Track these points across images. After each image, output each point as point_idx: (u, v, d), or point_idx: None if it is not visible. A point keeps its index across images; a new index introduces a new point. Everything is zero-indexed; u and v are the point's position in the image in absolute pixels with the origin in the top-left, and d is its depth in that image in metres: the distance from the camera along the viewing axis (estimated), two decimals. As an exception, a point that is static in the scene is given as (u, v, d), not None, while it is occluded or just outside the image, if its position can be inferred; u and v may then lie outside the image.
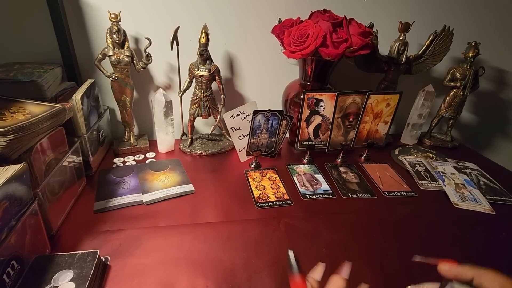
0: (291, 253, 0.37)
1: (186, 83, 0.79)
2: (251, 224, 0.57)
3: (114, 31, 0.69)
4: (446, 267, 0.33)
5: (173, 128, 0.80)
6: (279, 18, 0.79)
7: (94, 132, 0.71)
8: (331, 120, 0.75)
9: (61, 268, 0.41)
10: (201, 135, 0.89)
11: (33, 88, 0.57)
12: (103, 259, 0.46)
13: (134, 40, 0.79)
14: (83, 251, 0.44)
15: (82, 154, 0.64)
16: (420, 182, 0.74)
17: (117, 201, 0.61)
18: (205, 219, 0.58)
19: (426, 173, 0.77)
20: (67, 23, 0.71)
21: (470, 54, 0.85)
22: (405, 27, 0.80)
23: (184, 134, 0.88)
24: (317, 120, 0.76)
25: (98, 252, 0.44)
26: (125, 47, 0.72)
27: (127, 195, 0.63)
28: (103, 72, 0.72)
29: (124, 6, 0.72)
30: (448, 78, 0.90)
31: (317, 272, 0.36)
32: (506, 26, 0.95)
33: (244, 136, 0.76)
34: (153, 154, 0.81)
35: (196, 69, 0.75)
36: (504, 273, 0.30)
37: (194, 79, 0.78)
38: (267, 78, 0.91)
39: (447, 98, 0.92)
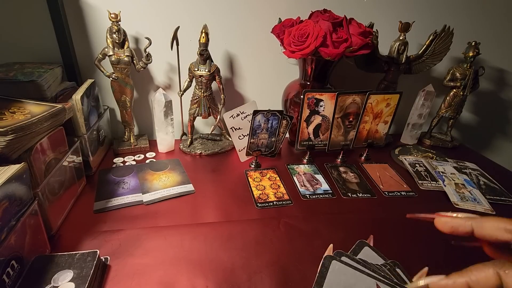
0: None
1: (186, 83, 0.79)
2: (251, 224, 0.57)
3: (114, 31, 0.69)
4: (442, 220, 0.31)
5: (173, 128, 0.80)
6: (279, 18, 0.79)
7: (94, 132, 0.71)
8: (331, 120, 0.75)
9: (61, 268, 0.41)
10: (201, 135, 0.89)
11: (33, 88, 0.57)
12: (103, 259, 0.46)
13: (134, 40, 0.79)
14: (83, 251, 0.44)
15: (82, 154, 0.64)
16: (420, 182, 0.74)
17: (117, 201, 0.61)
18: (205, 219, 0.58)
19: (426, 173, 0.77)
20: (67, 23, 0.71)
21: (470, 54, 0.85)
22: (405, 27, 0.80)
23: (184, 134, 0.88)
24: (317, 120, 0.76)
25: (98, 252, 0.44)
26: (125, 47, 0.72)
27: (127, 195, 0.63)
28: (103, 72, 0.72)
29: (124, 6, 0.72)
30: (448, 78, 0.90)
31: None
32: (506, 26, 0.95)
33: (244, 136, 0.76)
34: (153, 154, 0.81)
35: (196, 69, 0.75)
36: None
37: (194, 79, 0.78)
38: (267, 78, 0.91)
39: (447, 98, 0.92)
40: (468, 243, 0.31)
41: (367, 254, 0.37)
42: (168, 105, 0.76)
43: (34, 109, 0.49)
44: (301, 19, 0.73)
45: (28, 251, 0.42)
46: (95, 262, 0.42)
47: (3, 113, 0.46)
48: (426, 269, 0.38)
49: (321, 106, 0.74)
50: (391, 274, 0.37)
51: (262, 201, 0.63)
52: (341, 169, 0.78)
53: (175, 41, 0.72)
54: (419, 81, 0.95)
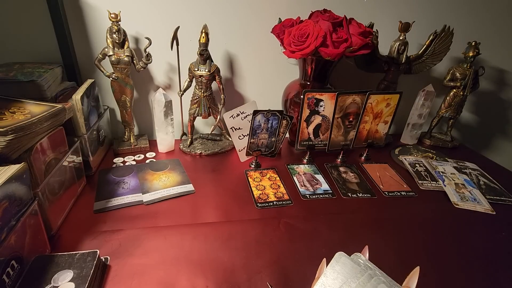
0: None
1: (186, 83, 0.79)
2: (251, 224, 0.57)
3: (114, 31, 0.69)
4: None
5: (173, 128, 0.80)
6: (279, 18, 0.79)
7: (94, 132, 0.71)
8: (331, 120, 0.75)
9: (61, 268, 0.41)
10: (201, 135, 0.89)
11: (33, 88, 0.57)
12: (103, 259, 0.46)
13: (134, 40, 0.79)
14: (83, 251, 0.44)
15: (82, 154, 0.64)
16: (420, 182, 0.74)
17: (117, 201, 0.61)
18: (205, 219, 0.58)
19: (426, 173, 0.77)
20: (67, 23, 0.71)
21: (470, 54, 0.85)
22: (405, 27, 0.80)
23: (184, 134, 0.88)
24: (317, 120, 0.76)
25: (98, 252, 0.44)
26: (125, 47, 0.72)
27: (127, 195, 0.63)
28: (103, 72, 0.72)
29: (124, 6, 0.72)
30: (448, 78, 0.90)
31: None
32: (506, 26, 0.95)
33: (244, 136, 0.76)
34: (153, 154, 0.81)
35: (196, 69, 0.75)
36: (504, 272, 0.29)
37: (194, 79, 0.78)
38: (267, 78, 0.91)
39: (447, 98, 0.92)
40: None
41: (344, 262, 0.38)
42: (168, 105, 0.76)
43: (34, 109, 0.49)
44: (301, 19, 0.73)
45: (28, 251, 0.42)
46: (95, 262, 0.42)
47: (3, 113, 0.46)
48: (417, 268, 0.39)
49: (321, 106, 0.74)
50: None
51: (262, 201, 0.63)
52: (341, 169, 0.78)
53: (175, 41, 0.72)
54: (419, 81, 0.95)
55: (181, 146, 0.84)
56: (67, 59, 0.73)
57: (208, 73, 0.75)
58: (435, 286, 0.47)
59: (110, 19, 0.68)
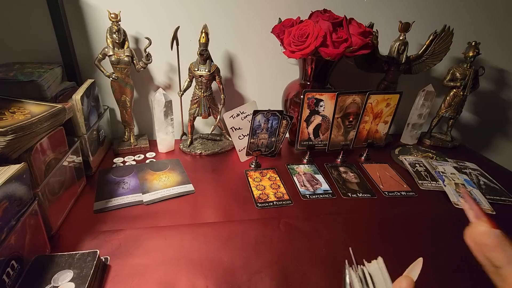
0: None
1: (186, 83, 0.79)
2: (251, 224, 0.57)
3: (114, 31, 0.69)
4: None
5: (173, 128, 0.80)
6: (279, 18, 0.79)
7: (94, 132, 0.71)
8: (331, 120, 0.75)
9: (61, 268, 0.41)
10: (201, 135, 0.89)
11: (33, 88, 0.57)
12: (103, 259, 0.46)
13: (134, 40, 0.79)
14: (83, 251, 0.44)
15: (82, 154, 0.64)
16: (420, 182, 0.74)
17: (117, 201, 0.61)
18: (205, 219, 0.58)
19: (426, 173, 0.77)
20: (67, 23, 0.71)
21: (470, 54, 0.85)
22: (405, 27, 0.80)
23: (184, 134, 0.88)
24: (317, 120, 0.76)
25: (98, 252, 0.44)
26: (125, 47, 0.72)
27: (127, 195, 0.63)
28: (103, 72, 0.72)
29: (124, 6, 0.72)
30: (448, 78, 0.90)
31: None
32: (506, 26, 0.95)
33: (244, 136, 0.76)
34: (153, 154, 0.81)
35: (196, 69, 0.75)
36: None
37: (194, 79, 0.78)
38: (267, 78, 0.91)
39: (447, 98, 0.92)
40: None
41: None
42: (168, 105, 0.76)
43: (34, 109, 0.49)
44: (301, 19, 0.73)
45: (28, 251, 0.42)
46: (95, 262, 0.42)
47: (3, 113, 0.46)
48: (420, 259, 0.38)
49: (321, 106, 0.74)
50: None
51: (262, 201, 0.63)
52: (341, 169, 0.78)
53: (175, 41, 0.72)
54: (419, 81, 0.95)
55: (181, 146, 0.84)
56: (67, 59, 0.73)
57: (208, 73, 0.75)
58: (435, 286, 0.47)
59: (110, 19, 0.68)
